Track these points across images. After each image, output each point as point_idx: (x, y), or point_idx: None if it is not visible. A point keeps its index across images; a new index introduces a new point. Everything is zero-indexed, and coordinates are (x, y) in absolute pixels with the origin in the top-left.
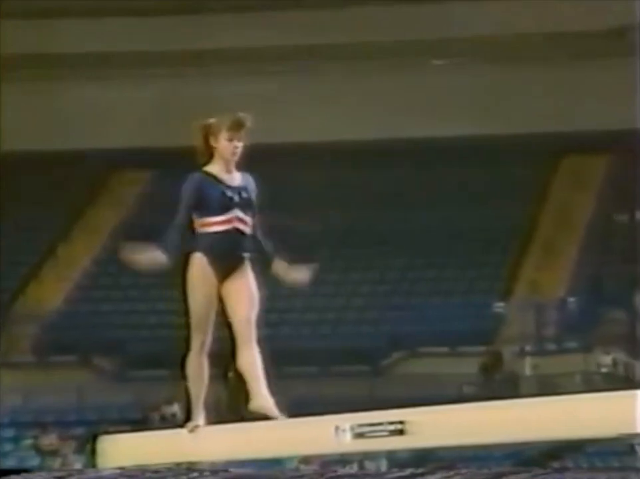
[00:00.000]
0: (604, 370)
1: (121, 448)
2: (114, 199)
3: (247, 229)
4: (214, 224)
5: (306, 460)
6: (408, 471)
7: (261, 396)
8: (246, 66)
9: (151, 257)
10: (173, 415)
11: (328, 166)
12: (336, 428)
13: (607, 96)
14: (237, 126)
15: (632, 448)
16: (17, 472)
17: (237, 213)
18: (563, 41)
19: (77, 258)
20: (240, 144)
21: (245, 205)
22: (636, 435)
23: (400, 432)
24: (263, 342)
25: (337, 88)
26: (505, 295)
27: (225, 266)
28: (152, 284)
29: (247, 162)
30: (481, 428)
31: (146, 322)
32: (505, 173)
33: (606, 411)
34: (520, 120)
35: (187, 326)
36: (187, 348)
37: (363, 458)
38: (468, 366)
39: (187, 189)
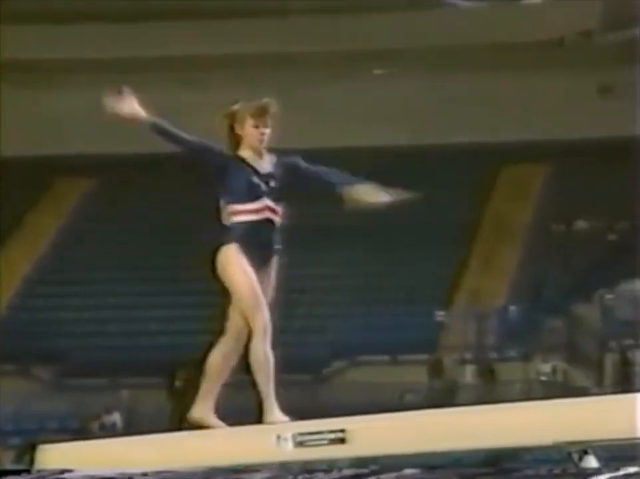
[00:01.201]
0: (543, 378)
1: (60, 458)
2: (54, 205)
3: (278, 220)
4: (245, 213)
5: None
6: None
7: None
8: (187, 74)
9: (132, 107)
10: (113, 424)
11: None
12: (278, 436)
13: (545, 106)
14: (261, 113)
15: (569, 455)
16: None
17: (267, 202)
18: (502, 52)
19: (16, 266)
20: (267, 130)
21: (275, 194)
22: (573, 442)
23: (341, 441)
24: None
25: (275, 98)
26: (447, 303)
27: (256, 259)
28: (92, 292)
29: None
30: (422, 437)
31: (86, 331)
32: (445, 183)
33: (545, 419)
34: (459, 129)
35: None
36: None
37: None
38: (409, 374)
39: (209, 145)
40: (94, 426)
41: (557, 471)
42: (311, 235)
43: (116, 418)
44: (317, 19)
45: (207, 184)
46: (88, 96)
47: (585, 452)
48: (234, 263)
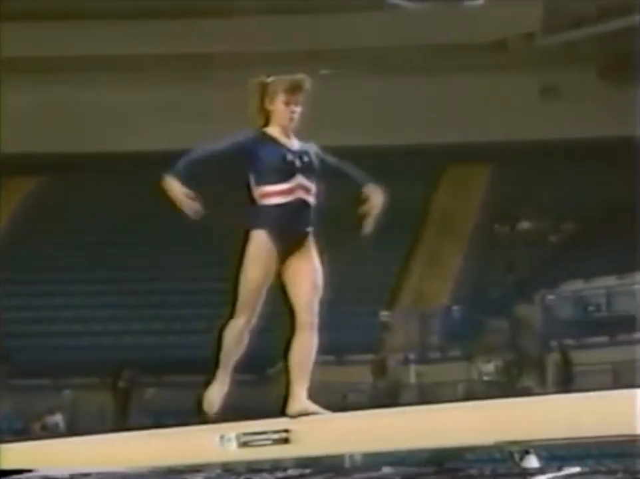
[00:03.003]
0: (486, 378)
1: (2, 458)
2: None
3: (312, 199)
4: (276, 194)
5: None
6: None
7: (300, 400)
8: (132, 74)
9: (186, 201)
10: (56, 425)
11: None
12: (221, 436)
13: (490, 107)
14: (294, 89)
15: (511, 455)
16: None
17: (301, 180)
18: (445, 53)
19: None
20: (298, 109)
21: (308, 171)
22: (515, 442)
23: (285, 441)
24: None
25: (224, 98)
26: (391, 303)
27: (289, 243)
28: (34, 292)
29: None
30: (366, 437)
31: (28, 331)
32: (390, 183)
33: (488, 418)
34: (404, 130)
35: (234, 299)
36: (230, 317)
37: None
38: (354, 374)
39: (237, 141)
40: (37, 426)
41: (501, 471)
42: None
43: (59, 418)
44: (264, 19)
45: (155, 184)
46: (34, 94)
47: (527, 452)
48: (254, 254)
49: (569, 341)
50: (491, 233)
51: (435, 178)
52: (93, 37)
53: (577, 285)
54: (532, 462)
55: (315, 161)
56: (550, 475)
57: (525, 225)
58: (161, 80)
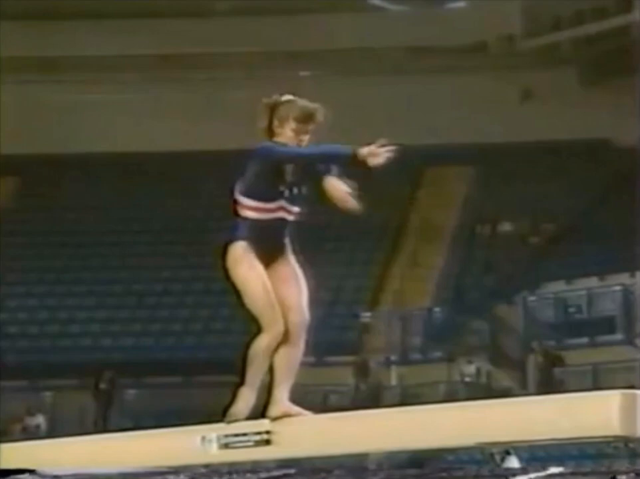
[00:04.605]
0: (467, 379)
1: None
2: None
3: (292, 218)
4: (258, 210)
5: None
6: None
7: (280, 402)
8: (110, 74)
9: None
10: (37, 426)
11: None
12: (203, 438)
13: (470, 109)
14: (306, 119)
15: (491, 456)
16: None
17: (284, 204)
18: (425, 55)
19: None
20: (306, 138)
21: (295, 199)
22: (497, 443)
23: (266, 442)
24: (126, 353)
25: (202, 99)
26: (372, 305)
27: (267, 253)
28: (13, 294)
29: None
30: (347, 438)
31: (7, 333)
32: (370, 184)
33: (469, 420)
34: (384, 132)
35: (249, 314)
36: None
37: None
38: (334, 376)
39: (263, 156)
40: (17, 428)
41: (483, 472)
42: None
43: (40, 420)
44: (244, 20)
45: (140, 185)
46: (12, 94)
47: (508, 453)
48: (244, 262)
49: (550, 342)
50: (472, 234)
51: (415, 180)
52: (73, 37)
53: (558, 286)
54: (513, 462)
55: (304, 191)
56: (533, 475)
57: (505, 226)
58: (140, 80)
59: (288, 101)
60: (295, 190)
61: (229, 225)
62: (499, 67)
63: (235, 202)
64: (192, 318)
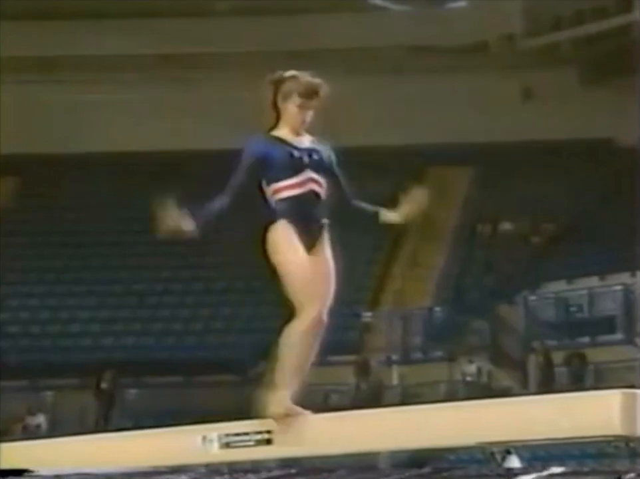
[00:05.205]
0: (468, 379)
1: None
2: None
3: (323, 192)
4: (288, 188)
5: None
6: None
7: (282, 402)
8: (109, 74)
9: (177, 221)
10: (38, 426)
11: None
12: (204, 438)
13: (471, 108)
14: (310, 93)
15: (492, 456)
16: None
17: (310, 174)
18: (427, 54)
19: None
20: (311, 113)
21: (317, 166)
22: (498, 443)
23: (267, 442)
24: (126, 353)
25: (201, 98)
26: (373, 304)
27: (307, 234)
28: (13, 293)
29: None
30: (348, 438)
31: (8, 333)
32: (371, 184)
33: (470, 419)
34: (385, 131)
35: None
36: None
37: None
38: (335, 375)
39: (249, 151)
40: (18, 428)
41: (485, 471)
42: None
43: (41, 419)
44: (244, 20)
45: (139, 185)
46: (12, 94)
47: (508, 452)
48: (285, 241)
49: (551, 342)
50: (473, 234)
51: (416, 179)
52: (73, 37)
53: (559, 286)
54: (514, 462)
55: (326, 160)
56: (534, 474)
57: (506, 226)
58: (140, 80)
59: (292, 76)
60: (315, 156)
61: (264, 209)
62: (500, 67)
63: (264, 196)
64: (193, 317)
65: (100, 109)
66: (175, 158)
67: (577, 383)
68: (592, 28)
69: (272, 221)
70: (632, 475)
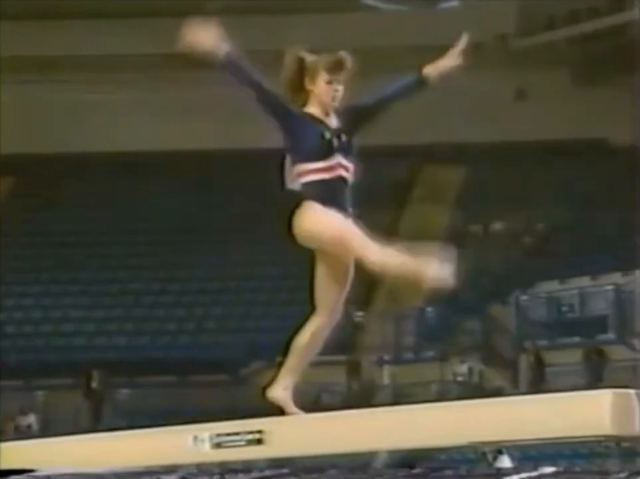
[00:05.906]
0: (460, 378)
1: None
2: None
3: (350, 178)
4: (317, 171)
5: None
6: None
7: (278, 386)
8: (108, 74)
9: (210, 38)
10: (29, 426)
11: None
12: (195, 437)
13: (464, 108)
14: (336, 67)
15: (484, 456)
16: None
17: (339, 158)
18: (420, 54)
19: None
20: (341, 87)
21: (346, 150)
22: (489, 443)
23: (259, 442)
24: (119, 352)
25: (192, 97)
26: (365, 304)
27: None
28: (5, 293)
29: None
30: (339, 437)
31: (1, 333)
32: (363, 183)
33: (461, 419)
34: (377, 131)
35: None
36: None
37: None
38: (327, 375)
39: (286, 106)
40: (10, 427)
41: (475, 471)
42: (230, 232)
43: (31, 419)
44: (243, 20)
45: (139, 185)
46: (12, 94)
47: (500, 452)
48: (323, 211)
49: (543, 342)
50: (465, 234)
51: (409, 179)
52: (73, 37)
53: (551, 286)
54: (505, 462)
55: (354, 142)
56: (525, 474)
57: (498, 226)
58: (140, 80)
59: (314, 56)
60: (344, 137)
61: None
62: (494, 66)
63: (284, 174)
64: (186, 317)
65: (100, 109)
66: (175, 157)
67: (596, 379)
68: (586, 27)
69: (303, 199)
70: (623, 474)
